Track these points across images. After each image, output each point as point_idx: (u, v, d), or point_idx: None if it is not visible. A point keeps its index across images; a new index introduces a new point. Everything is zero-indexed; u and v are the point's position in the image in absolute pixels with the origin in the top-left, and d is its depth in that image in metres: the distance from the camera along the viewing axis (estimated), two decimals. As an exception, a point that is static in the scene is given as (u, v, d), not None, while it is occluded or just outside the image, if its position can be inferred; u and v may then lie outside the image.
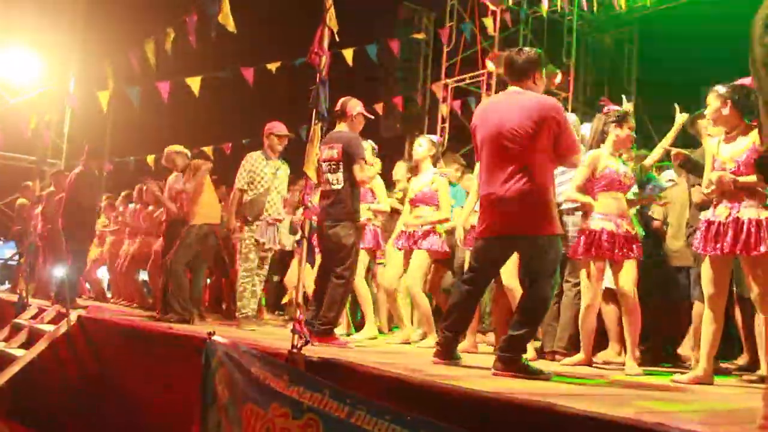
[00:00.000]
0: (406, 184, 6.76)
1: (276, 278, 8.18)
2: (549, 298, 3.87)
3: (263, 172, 6.31)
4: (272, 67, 9.53)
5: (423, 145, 5.94)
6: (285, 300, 7.97)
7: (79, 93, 11.89)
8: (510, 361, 3.69)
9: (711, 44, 10.61)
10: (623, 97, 5.25)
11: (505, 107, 3.91)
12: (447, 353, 4.02)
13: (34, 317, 7.22)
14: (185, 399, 4.42)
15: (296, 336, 3.67)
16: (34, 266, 9.69)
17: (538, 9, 12.21)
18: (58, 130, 13.71)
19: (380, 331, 6.61)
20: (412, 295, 5.68)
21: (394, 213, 7.07)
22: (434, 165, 5.92)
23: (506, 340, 3.77)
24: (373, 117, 5.88)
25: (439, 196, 5.74)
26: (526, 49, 4.09)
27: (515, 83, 4.01)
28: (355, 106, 5.37)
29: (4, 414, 7.39)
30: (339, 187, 5.12)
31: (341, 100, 5.33)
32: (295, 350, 3.63)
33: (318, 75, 4.01)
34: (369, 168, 5.50)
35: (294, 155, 6.52)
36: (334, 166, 5.15)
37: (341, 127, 5.33)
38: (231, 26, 5.99)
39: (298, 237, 6.22)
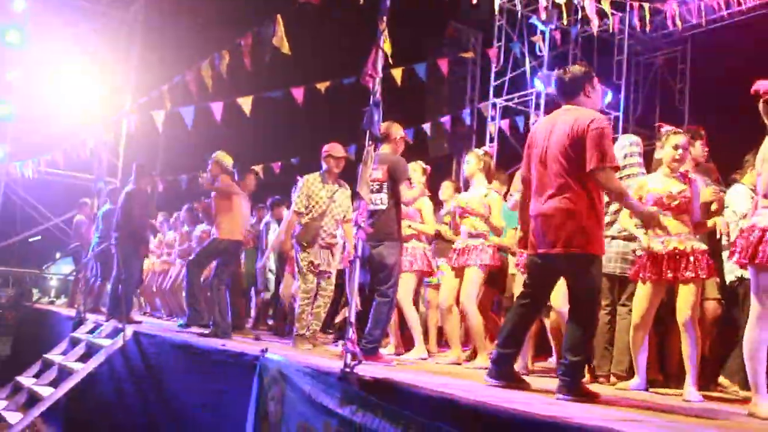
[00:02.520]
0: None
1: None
2: (593, 320, 3.85)
3: (318, 195, 6.23)
4: (321, 86, 9.66)
5: (470, 162, 5.98)
6: (338, 319, 7.99)
7: (135, 113, 12.22)
8: (571, 386, 3.68)
9: (765, 61, 10.40)
10: None
11: (552, 127, 3.94)
12: (501, 373, 4.00)
13: (91, 332, 7.41)
14: (238, 415, 4.48)
15: (349, 355, 3.69)
16: (91, 281, 9.97)
17: (588, 28, 12.13)
18: (114, 149, 14.12)
19: (429, 352, 6.59)
20: (466, 312, 5.65)
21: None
22: (488, 179, 5.91)
23: (565, 365, 3.75)
24: (411, 142, 5.98)
25: (492, 211, 5.74)
26: (572, 66, 4.11)
27: (567, 102, 4.03)
28: (398, 130, 5.56)
29: (61, 426, 7.59)
30: (383, 207, 5.25)
31: (385, 123, 5.36)
32: (348, 369, 3.65)
33: (371, 97, 4.06)
34: (410, 190, 5.63)
35: (341, 174, 6.56)
36: (377, 187, 5.24)
37: (385, 149, 5.44)
38: (286, 49, 6.09)
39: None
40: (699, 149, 5.16)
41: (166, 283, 10.02)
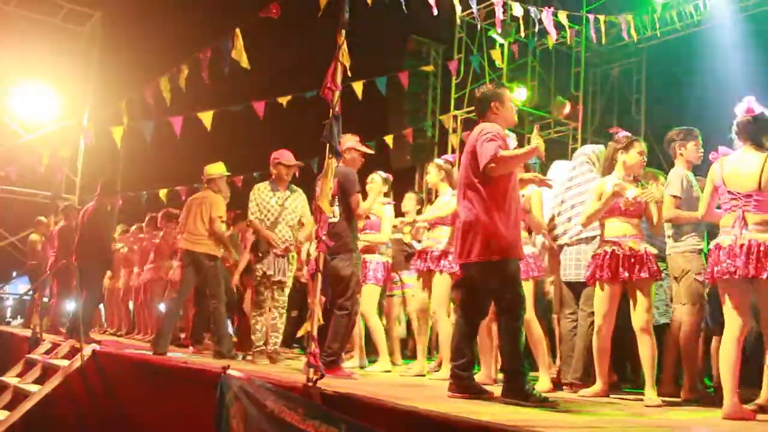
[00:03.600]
0: (416, 216, 6.79)
1: (294, 313, 8.10)
2: (511, 327, 3.96)
3: (269, 204, 6.24)
4: (283, 100, 9.62)
5: (431, 172, 6.05)
6: (300, 333, 7.91)
7: (93, 128, 12.03)
8: (511, 390, 3.84)
9: (720, 73, 10.66)
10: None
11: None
12: (460, 386, 4.05)
13: (47, 352, 7.23)
14: (200, 434, 4.40)
15: (311, 369, 3.66)
16: (47, 301, 9.75)
17: (545, 41, 12.31)
18: (72, 165, 13.86)
19: (393, 364, 6.57)
20: (436, 319, 5.68)
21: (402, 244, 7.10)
22: (453, 185, 5.92)
23: (504, 372, 3.97)
24: (373, 151, 5.97)
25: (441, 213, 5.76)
26: (482, 87, 4.36)
27: (480, 120, 4.27)
28: (345, 141, 5.49)
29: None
30: (335, 220, 5.25)
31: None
32: (310, 384, 3.62)
33: (331, 110, 4.06)
34: (363, 201, 5.56)
35: (304, 189, 6.53)
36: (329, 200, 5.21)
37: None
38: (244, 62, 6.04)
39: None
40: (693, 150, 4.98)
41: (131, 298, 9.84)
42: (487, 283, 4.03)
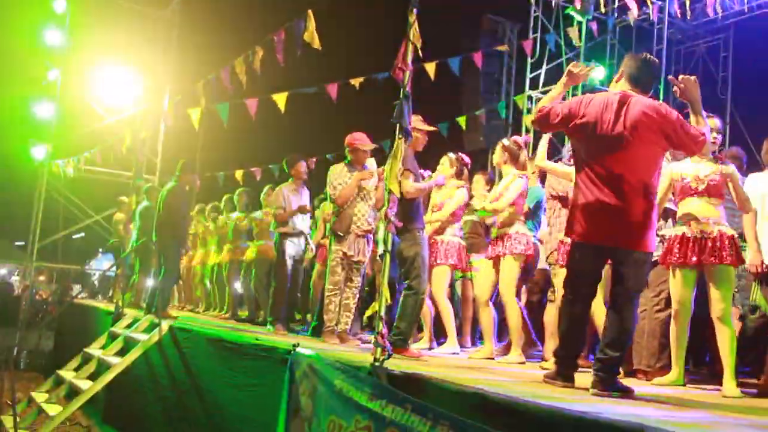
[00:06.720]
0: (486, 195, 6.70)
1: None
2: (635, 316, 3.79)
3: (348, 185, 6.26)
4: (355, 82, 9.64)
5: (496, 152, 5.90)
6: (368, 313, 7.96)
7: (172, 111, 12.37)
8: (607, 381, 3.61)
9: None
10: None
11: (620, 110, 3.70)
12: (564, 376, 3.81)
13: (129, 326, 7.53)
14: (270, 409, 4.50)
15: (379, 349, 3.67)
16: (129, 277, 10.14)
17: (626, 17, 11.89)
18: (152, 146, 14.32)
19: (463, 346, 6.53)
20: (505, 303, 5.60)
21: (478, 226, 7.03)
22: (519, 167, 5.78)
23: (602, 360, 3.66)
24: (434, 129, 5.81)
25: (503, 195, 5.63)
26: (648, 56, 3.95)
27: (642, 90, 3.81)
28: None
29: (100, 418, 7.73)
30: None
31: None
32: (377, 363, 3.63)
33: (401, 90, 4.03)
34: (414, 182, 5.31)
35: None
36: None
37: None
38: (316, 44, 6.09)
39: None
40: None
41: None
42: (640, 273, 3.73)
